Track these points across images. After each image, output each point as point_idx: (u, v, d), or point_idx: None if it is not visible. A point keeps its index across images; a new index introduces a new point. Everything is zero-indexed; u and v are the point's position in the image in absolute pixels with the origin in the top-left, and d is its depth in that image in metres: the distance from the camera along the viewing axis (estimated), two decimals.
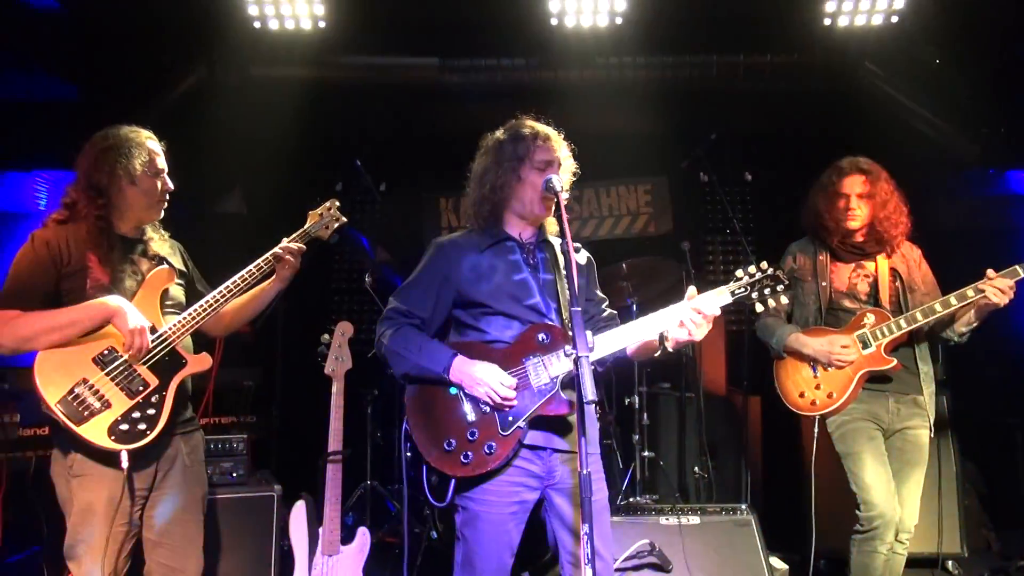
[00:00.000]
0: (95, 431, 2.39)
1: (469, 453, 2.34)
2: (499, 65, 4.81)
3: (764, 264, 2.50)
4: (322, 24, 4.54)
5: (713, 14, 4.69)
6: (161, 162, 2.71)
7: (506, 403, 2.35)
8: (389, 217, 6.36)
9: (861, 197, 3.34)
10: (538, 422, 2.40)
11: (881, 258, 3.38)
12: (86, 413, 2.40)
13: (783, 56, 4.77)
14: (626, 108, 5.32)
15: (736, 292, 2.47)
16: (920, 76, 4.68)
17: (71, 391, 2.40)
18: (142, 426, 2.47)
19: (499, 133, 2.63)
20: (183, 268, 2.87)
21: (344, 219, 3.11)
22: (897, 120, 4.80)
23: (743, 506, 3.87)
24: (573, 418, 2.41)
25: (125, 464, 2.41)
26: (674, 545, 3.67)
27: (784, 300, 2.53)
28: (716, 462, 4.97)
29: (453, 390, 2.42)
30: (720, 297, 2.44)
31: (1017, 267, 3.05)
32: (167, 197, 2.75)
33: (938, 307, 3.15)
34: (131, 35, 4.49)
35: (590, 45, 4.69)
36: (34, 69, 4.50)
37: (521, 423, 2.36)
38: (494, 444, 2.34)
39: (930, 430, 3.32)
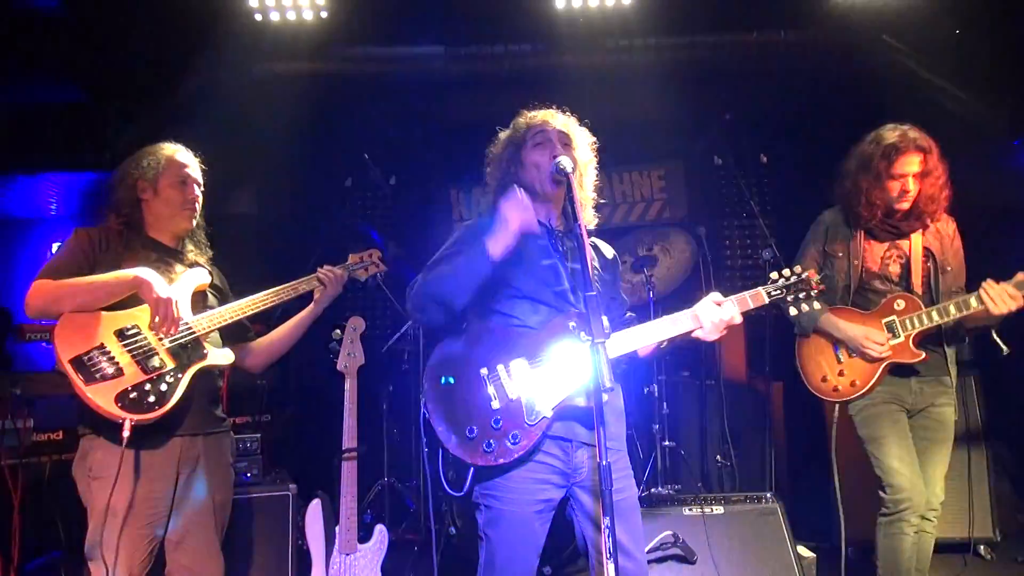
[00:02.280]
0: (103, 395, 2.38)
1: (492, 442, 2.25)
2: (506, 52, 4.74)
3: (798, 268, 2.48)
4: (324, 15, 4.48)
5: None
6: (188, 172, 2.79)
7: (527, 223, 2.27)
8: (400, 210, 6.32)
9: (916, 177, 3.11)
10: (565, 415, 2.31)
11: (916, 236, 3.21)
12: (98, 375, 2.40)
13: (797, 33, 4.66)
14: (637, 92, 5.22)
15: (772, 294, 2.46)
16: (940, 47, 4.54)
17: (87, 352, 2.41)
18: (151, 399, 2.44)
19: (501, 132, 2.63)
20: (220, 284, 2.92)
21: (384, 268, 3.23)
22: (918, 94, 4.67)
23: (768, 494, 3.79)
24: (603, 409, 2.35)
25: (126, 433, 2.37)
26: (698, 536, 3.59)
27: (817, 305, 2.50)
28: (739, 450, 4.88)
29: (482, 371, 2.32)
30: (755, 299, 2.42)
31: None
32: (195, 207, 2.80)
33: (973, 302, 2.98)
34: (133, 33, 4.46)
35: (598, 27, 4.59)
36: (37, 71, 4.48)
37: (548, 412, 2.28)
38: (518, 434, 2.25)
39: (955, 407, 3.25)
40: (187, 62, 4.66)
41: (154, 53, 4.58)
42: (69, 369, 2.37)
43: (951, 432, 3.23)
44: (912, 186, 3.11)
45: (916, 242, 3.21)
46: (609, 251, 2.70)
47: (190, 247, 2.83)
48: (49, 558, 3.95)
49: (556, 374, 2.30)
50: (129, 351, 2.47)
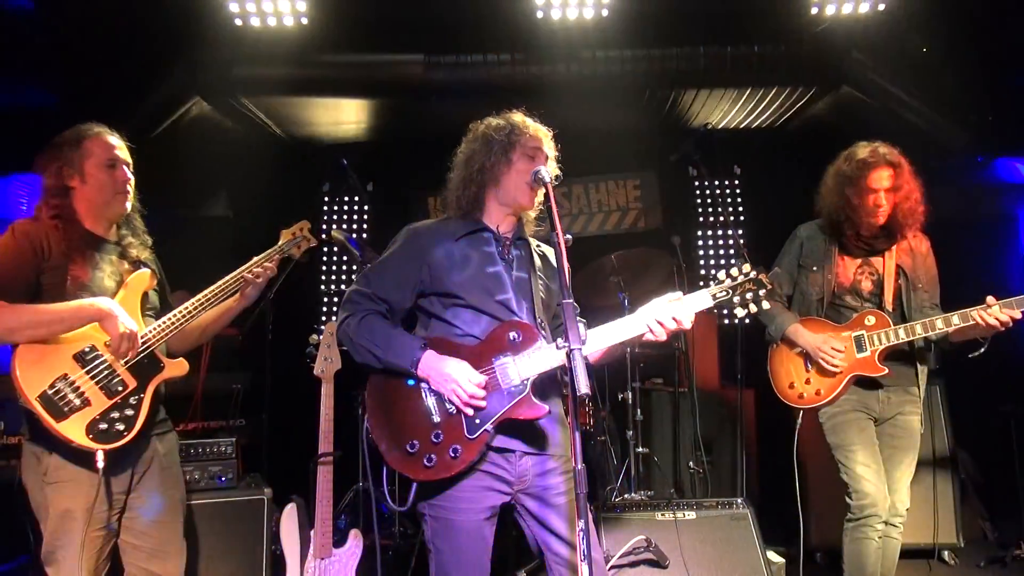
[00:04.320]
0: (73, 428, 2.35)
1: (433, 456, 2.23)
2: (485, 61, 4.78)
3: (747, 267, 2.42)
4: (304, 21, 4.48)
5: (699, 6, 4.67)
6: (116, 153, 2.64)
7: (473, 402, 2.22)
8: (377, 216, 6.31)
9: (888, 192, 3.18)
10: (507, 425, 2.29)
11: (889, 255, 3.30)
12: (66, 409, 2.36)
13: (770, 47, 4.75)
14: (614, 102, 5.30)
15: (717, 296, 2.39)
16: (907, 65, 4.67)
17: (52, 385, 2.36)
18: (120, 426, 2.44)
19: (491, 119, 2.58)
20: (156, 269, 2.84)
21: (315, 242, 3.16)
22: (885, 109, 4.79)
23: (739, 500, 3.85)
24: (544, 421, 2.34)
25: (101, 464, 2.36)
26: (670, 541, 3.64)
27: (766, 305, 2.41)
28: (711, 457, 4.95)
29: (412, 382, 2.31)
30: (700, 301, 2.36)
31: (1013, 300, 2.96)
32: (127, 188, 2.66)
33: (940, 324, 3.07)
34: (109, 35, 4.41)
35: (576, 38, 4.65)
36: (9, 73, 4.42)
37: (489, 426, 2.24)
38: (459, 448, 2.22)
39: (921, 416, 3.32)
40: (164, 66, 4.64)
41: (130, 57, 4.54)
42: (37, 407, 2.32)
43: (917, 440, 3.31)
44: (884, 201, 3.18)
45: (889, 261, 3.30)
46: (554, 257, 2.63)
47: (129, 237, 2.70)
48: (17, 563, 3.90)
49: (496, 386, 2.28)
50: (91, 377, 2.43)
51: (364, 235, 6.32)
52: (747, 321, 4.44)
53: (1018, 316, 2.95)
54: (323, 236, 6.10)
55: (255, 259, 2.92)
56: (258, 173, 5.91)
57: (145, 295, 2.68)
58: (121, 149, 2.68)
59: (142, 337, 2.54)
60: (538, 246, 2.66)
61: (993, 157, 4.92)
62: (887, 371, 3.19)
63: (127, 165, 2.68)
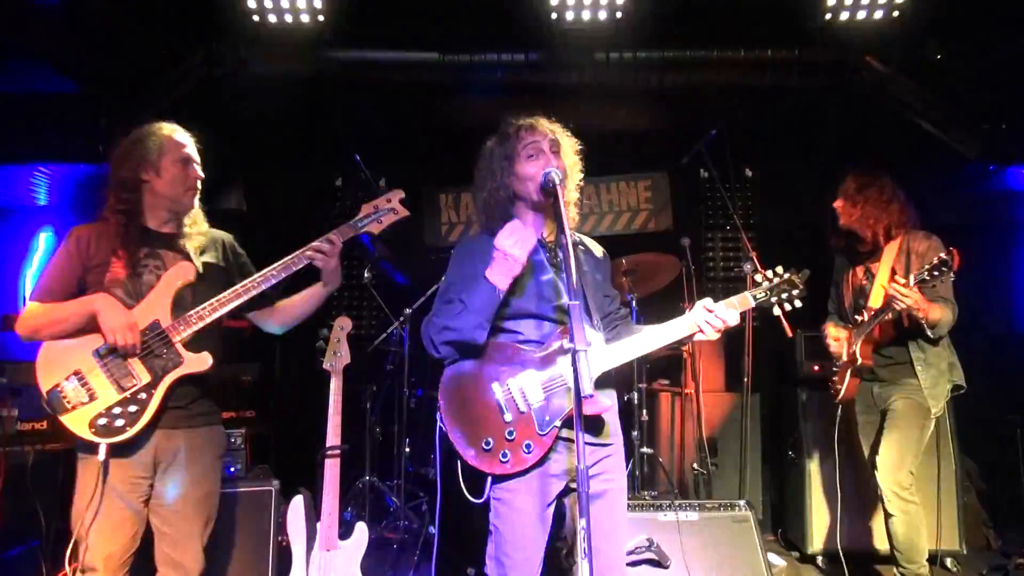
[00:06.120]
0: (77, 422, 2.52)
1: (507, 452, 2.38)
2: (499, 60, 4.79)
3: (779, 268, 2.60)
4: (321, 18, 4.51)
5: (713, 9, 4.66)
6: (188, 151, 2.79)
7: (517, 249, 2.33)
8: None
9: (839, 207, 3.76)
10: (571, 420, 2.36)
11: (885, 259, 3.60)
12: (69, 405, 2.52)
13: (784, 51, 4.75)
14: (626, 103, 5.31)
15: (758, 297, 2.57)
16: (921, 71, 4.65)
17: (60, 383, 2.53)
18: (120, 422, 2.54)
19: (489, 141, 2.63)
20: (219, 262, 2.88)
21: (405, 213, 2.91)
22: (898, 115, 4.78)
23: (741, 502, 3.87)
24: (607, 415, 2.49)
25: (101, 457, 2.51)
26: (672, 541, 3.67)
27: (798, 304, 2.61)
28: (715, 459, 4.97)
29: (494, 386, 2.42)
30: (742, 304, 2.53)
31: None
32: (198, 185, 2.81)
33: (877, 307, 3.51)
34: (129, 29, 4.47)
35: (590, 39, 4.66)
36: (31, 63, 4.48)
37: (558, 423, 2.39)
38: (532, 443, 2.37)
39: (918, 400, 3.53)
40: (182, 58, 4.68)
41: (150, 48, 4.59)
42: (46, 401, 2.52)
43: (902, 420, 3.55)
44: (839, 214, 3.75)
45: (884, 266, 3.60)
46: (599, 249, 2.77)
47: (187, 227, 2.81)
48: (28, 547, 3.96)
49: (562, 385, 2.42)
50: (106, 370, 2.56)
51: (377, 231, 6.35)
52: (755, 324, 4.48)
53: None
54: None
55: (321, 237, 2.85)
56: (272, 166, 5.95)
57: (184, 288, 2.70)
58: (191, 147, 2.81)
59: (163, 330, 2.61)
60: (580, 242, 2.73)
61: (1006, 165, 4.90)
62: (860, 361, 3.55)
63: (197, 163, 2.81)
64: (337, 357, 3.59)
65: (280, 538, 3.56)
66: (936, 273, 3.13)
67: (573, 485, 2.45)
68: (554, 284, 2.51)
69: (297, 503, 3.48)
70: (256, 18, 4.51)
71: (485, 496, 2.41)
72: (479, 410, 2.43)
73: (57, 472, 3.94)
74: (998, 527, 4.95)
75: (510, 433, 2.39)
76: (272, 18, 4.52)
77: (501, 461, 2.37)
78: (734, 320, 2.50)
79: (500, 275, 2.37)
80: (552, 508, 2.46)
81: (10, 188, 5.89)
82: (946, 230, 3.50)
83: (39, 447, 3.87)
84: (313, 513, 3.50)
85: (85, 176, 5.43)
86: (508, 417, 2.40)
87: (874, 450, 3.64)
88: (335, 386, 3.56)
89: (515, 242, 2.36)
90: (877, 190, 3.66)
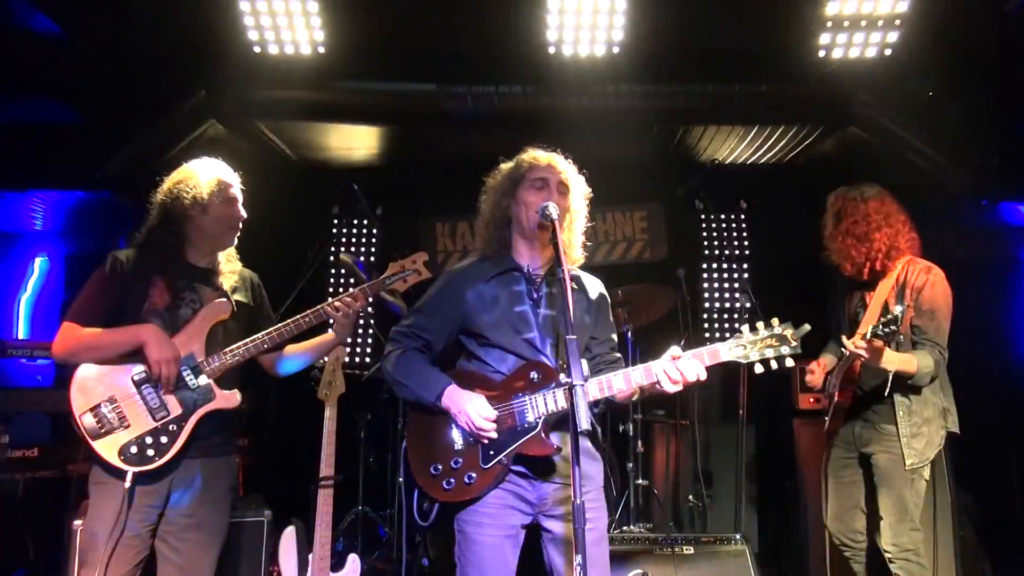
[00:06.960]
0: (107, 448, 2.55)
1: (452, 480, 2.41)
2: (496, 92, 4.84)
3: (775, 321, 2.32)
4: (321, 50, 4.56)
5: (709, 46, 4.73)
6: (234, 192, 2.85)
7: (482, 434, 2.37)
8: (385, 241, 6.37)
9: (826, 238, 3.56)
10: (519, 459, 2.42)
11: (880, 288, 3.42)
12: (102, 430, 2.55)
13: (778, 87, 4.81)
14: (622, 135, 5.36)
15: (733, 352, 2.32)
16: (913, 107, 4.71)
17: (96, 407, 2.56)
18: (151, 452, 2.57)
19: (503, 163, 2.69)
20: (249, 302, 2.93)
21: (427, 274, 2.95)
22: (891, 150, 4.83)
23: (737, 536, 3.85)
24: (560, 456, 2.42)
25: (127, 484, 2.52)
26: (668, 575, 3.63)
27: (789, 363, 2.29)
28: (711, 491, 4.94)
29: (450, 416, 2.44)
30: (712, 357, 2.33)
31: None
32: (239, 225, 2.86)
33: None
34: (132, 60, 4.52)
35: (587, 74, 4.72)
36: (35, 93, 4.52)
37: (502, 458, 2.39)
38: (474, 475, 2.39)
39: (898, 455, 3.31)
40: (184, 89, 4.72)
41: (151, 79, 4.63)
42: (80, 425, 2.54)
43: (889, 479, 3.35)
44: (827, 243, 3.53)
45: (879, 294, 3.42)
46: (595, 291, 2.71)
47: (223, 265, 2.86)
48: (16, 575, 3.91)
49: (513, 422, 2.40)
50: (141, 398, 2.60)
51: (372, 259, 6.37)
52: None
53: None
54: (331, 259, 6.19)
55: (343, 294, 2.92)
56: (270, 195, 5.96)
57: (219, 325, 2.76)
58: (238, 188, 2.87)
59: (197, 365, 2.66)
60: (577, 279, 2.68)
61: (998, 200, 4.95)
62: (837, 397, 3.45)
63: (241, 204, 2.86)
64: (332, 387, 3.59)
65: (272, 568, 3.52)
66: (886, 331, 2.84)
67: (542, 520, 2.46)
68: (525, 317, 2.51)
69: (289, 533, 3.46)
70: (257, 49, 4.56)
71: (430, 521, 2.43)
72: (435, 436, 2.48)
73: (47, 500, 3.91)
74: (995, 561, 4.91)
75: (456, 462, 2.42)
76: (273, 49, 4.56)
77: (444, 488, 2.40)
78: (696, 374, 2.27)
79: (447, 402, 2.41)
80: (513, 540, 2.43)
81: (11, 213, 5.90)
82: (940, 265, 3.47)
83: (29, 475, 3.84)
84: (305, 544, 3.47)
85: (77, 202, 5.45)
86: (457, 446, 2.44)
87: (842, 495, 3.49)
88: (330, 416, 3.55)
89: (477, 419, 2.36)
90: (860, 219, 3.39)
